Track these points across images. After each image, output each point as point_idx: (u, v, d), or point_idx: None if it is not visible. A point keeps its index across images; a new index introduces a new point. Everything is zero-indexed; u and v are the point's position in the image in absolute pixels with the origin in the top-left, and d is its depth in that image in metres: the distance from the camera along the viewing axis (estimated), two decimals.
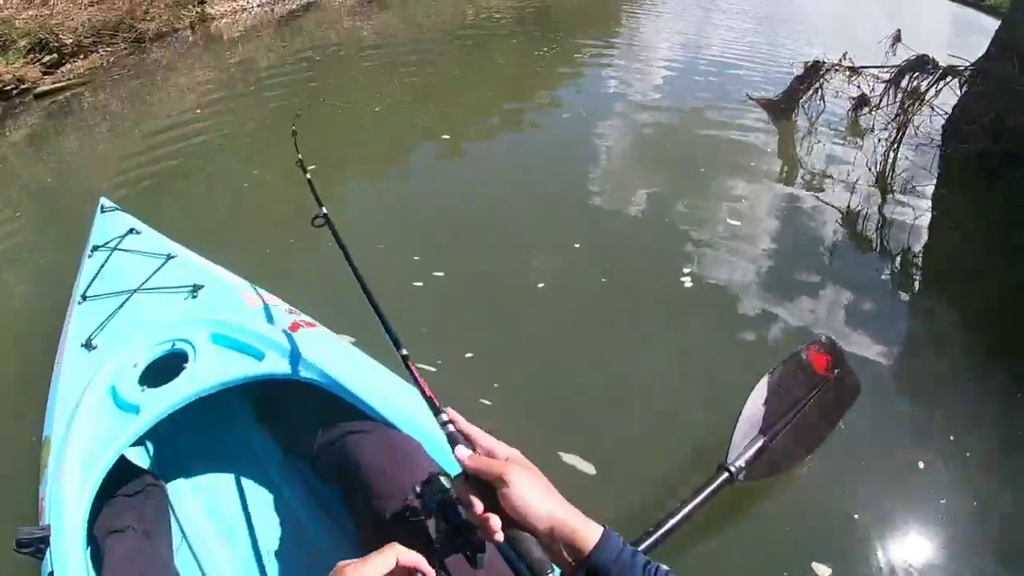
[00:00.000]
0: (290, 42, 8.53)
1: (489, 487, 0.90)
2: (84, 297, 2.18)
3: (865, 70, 5.41)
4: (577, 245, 3.58)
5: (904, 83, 5.08)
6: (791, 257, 3.60)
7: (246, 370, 1.71)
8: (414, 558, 0.88)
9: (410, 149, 5.07)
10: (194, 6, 9.37)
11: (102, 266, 2.32)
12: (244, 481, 1.89)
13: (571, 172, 4.56)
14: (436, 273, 3.29)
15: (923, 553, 2.08)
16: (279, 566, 1.65)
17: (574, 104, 5.95)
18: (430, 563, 0.89)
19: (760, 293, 3.26)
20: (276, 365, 1.71)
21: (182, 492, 1.87)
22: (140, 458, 1.97)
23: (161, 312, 2.01)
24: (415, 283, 3.21)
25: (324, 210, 1.95)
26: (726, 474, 1.94)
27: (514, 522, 0.87)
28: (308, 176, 2.23)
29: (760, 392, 2.10)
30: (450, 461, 1.41)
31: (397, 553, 0.88)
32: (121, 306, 2.05)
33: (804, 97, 5.61)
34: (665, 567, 0.84)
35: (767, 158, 4.90)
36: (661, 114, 5.74)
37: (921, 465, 2.36)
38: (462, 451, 0.97)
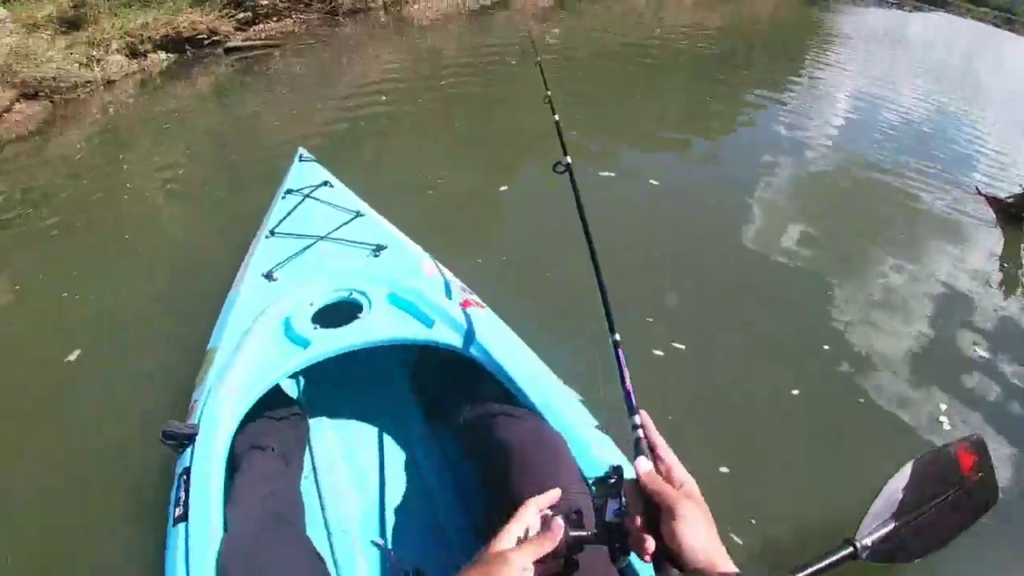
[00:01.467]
0: (477, 37, 8.92)
1: (655, 506, 0.94)
2: (272, 233, 2.41)
3: None
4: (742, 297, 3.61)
5: None
6: (962, 354, 3.48)
7: (413, 333, 1.85)
8: (550, 497, 1.04)
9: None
10: None
11: (293, 209, 2.56)
12: (384, 436, 2.01)
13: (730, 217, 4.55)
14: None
15: None
16: (398, 523, 1.73)
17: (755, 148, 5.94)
18: (569, 548, 0.96)
19: (923, 379, 3.22)
20: (444, 335, 1.84)
21: (323, 431, 2.02)
22: (292, 389, 2.16)
23: (343, 262, 2.19)
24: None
25: (568, 159, 1.99)
26: (851, 548, 1.97)
27: (666, 546, 0.91)
28: (556, 117, 2.32)
29: (902, 477, 2.12)
30: (593, 464, 1.49)
31: (537, 505, 1.01)
32: (306, 248, 2.26)
33: None
34: None
35: (974, 253, 4.57)
36: (864, 171, 5.61)
37: None
38: (644, 464, 1.00)
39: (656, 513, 0.93)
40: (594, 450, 1.54)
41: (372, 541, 1.67)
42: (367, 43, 8.24)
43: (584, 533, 0.98)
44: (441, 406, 1.94)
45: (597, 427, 1.68)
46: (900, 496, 2.10)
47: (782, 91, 7.79)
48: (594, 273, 1.54)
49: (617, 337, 1.35)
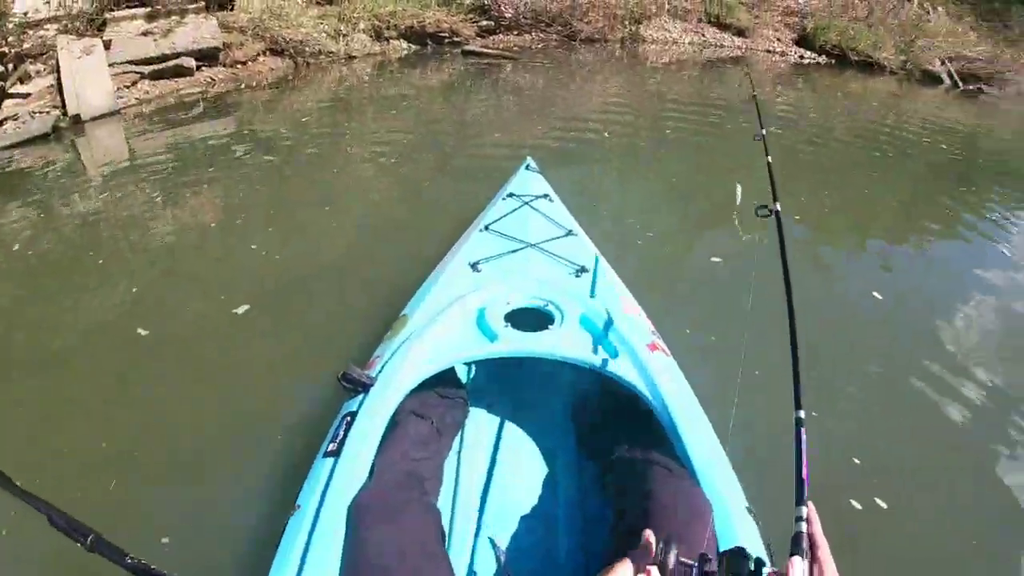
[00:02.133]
0: (707, 87, 8.85)
1: None
2: (487, 228, 2.54)
3: None
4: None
5: None
6: None
7: (598, 360, 1.86)
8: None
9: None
10: (629, 23, 10.07)
11: (510, 212, 2.69)
12: (531, 447, 2.04)
13: None
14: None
15: None
16: (517, 532, 1.75)
17: None
18: None
19: None
20: (624, 370, 1.83)
21: (479, 422, 2.09)
22: (464, 374, 2.26)
23: (546, 273, 2.27)
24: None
25: (777, 205, 1.95)
26: None
27: None
28: (769, 159, 2.28)
29: None
30: (731, 537, 1.43)
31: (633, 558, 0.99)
32: (515, 251, 2.37)
33: None
34: None
35: None
36: None
37: None
38: (798, 565, 0.93)
39: None
40: (738, 530, 1.48)
41: (489, 538, 1.71)
42: (597, 72, 8.40)
43: None
44: (596, 437, 1.94)
45: (748, 509, 1.60)
46: None
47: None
48: (788, 336, 1.47)
49: (801, 415, 1.22)
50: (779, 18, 13.60)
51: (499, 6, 8.95)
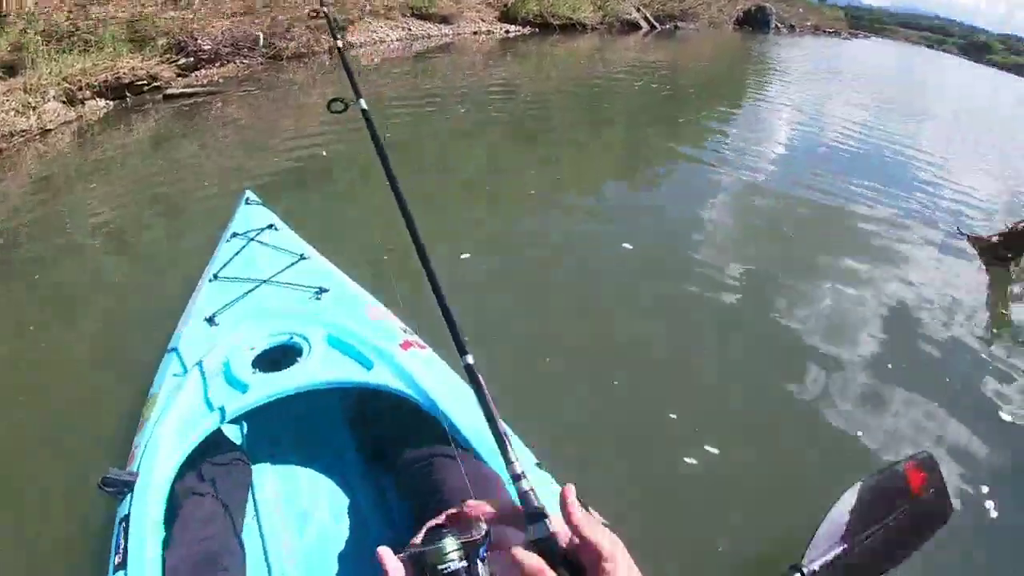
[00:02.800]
0: (421, 80, 9.09)
1: (579, 565, 0.82)
2: (216, 277, 2.45)
3: None
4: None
5: None
6: (912, 373, 3.65)
7: (353, 375, 1.89)
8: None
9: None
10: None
11: (237, 253, 2.60)
12: (324, 479, 2.03)
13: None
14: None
15: None
16: (339, 567, 1.75)
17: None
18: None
19: (881, 405, 3.36)
20: (382, 377, 1.89)
21: (265, 475, 2.03)
22: (233, 434, 2.16)
23: (285, 305, 2.24)
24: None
25: (362, 103, 1.92)
26: (797, 575, 2.02)
27: None
28: (340, 43, 2.28)
29: (849, 499, 2.17)
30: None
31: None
32: (249, 292, 2.30)
33: None
34: None
35: (960, 293, 4.85)
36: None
37: None
38: (575, 511, 0.83)
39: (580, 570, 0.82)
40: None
41: None
42: (311, 88, 8.35)
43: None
44: (382, 449, 1.97)
45: (538, 465, 1.74)
46: (847, 518, 2.15)
47: (722, 123, 8.31)
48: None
49: (471, 360, 1.18)
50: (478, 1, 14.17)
51: (195, 40, 8.62)
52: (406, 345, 2.04)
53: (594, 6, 14.80)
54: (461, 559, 0.86)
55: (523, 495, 0.90)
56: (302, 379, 1.84)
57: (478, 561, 0.87)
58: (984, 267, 5.25)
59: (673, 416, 3.00)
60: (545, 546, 0.82)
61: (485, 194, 5.42)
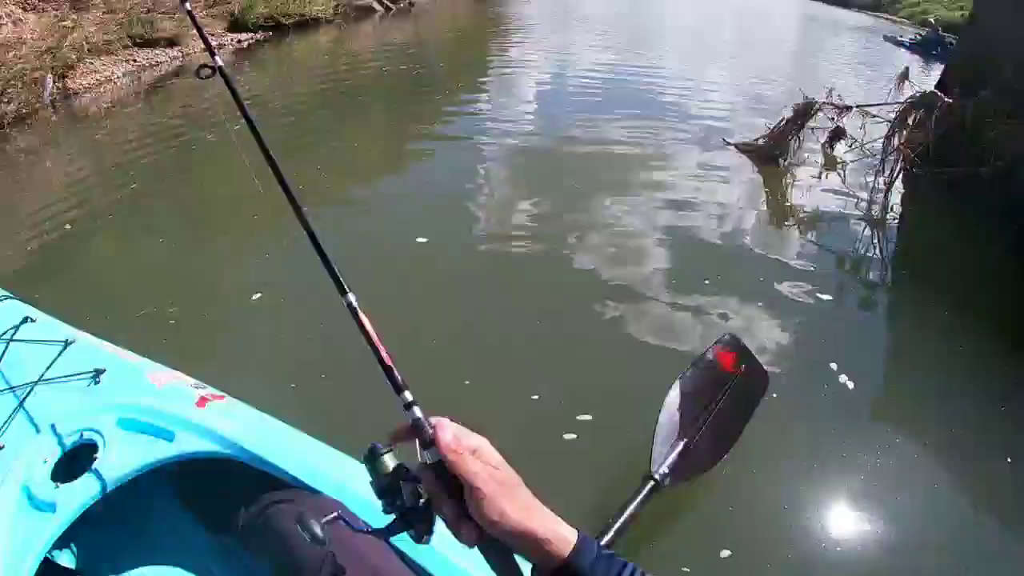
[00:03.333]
0: (159, 109, 8.61)
1: (458, 484, 0.87)
2: None
3: (864, 108, 5.99)
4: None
5: (910, 119, 5.56)
6: (706, 276, 4.01)
7: (157, 453, 1.77)
8: None
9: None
10: (54, 82, 9.26)
11: None
12: (175, 570, 1.91)
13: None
14: None
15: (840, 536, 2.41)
16: None
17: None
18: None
19: (691, 304, 3.71)
20: (187, 444, 1.78)
21: None
22: (66, 558, 1.97)
23: (65, 402, 2.05)
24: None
25: (219, 60, 1.54)
26: (652, 483, 2.11)
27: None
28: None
29: (673, 397, 2.30)
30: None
31: None
32: (23, 400, 2.08)
33: (792, 138, 6.04)
34: (642, 568, 0.85)
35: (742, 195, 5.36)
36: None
37: (838, 451, 2.73)
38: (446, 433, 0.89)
39: (459, 488, 0.87)
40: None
41: None
42: (43, 150, 7.58)
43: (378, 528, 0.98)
44: (220, 516, 1.86)
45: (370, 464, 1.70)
46: (678, 416, 2.28)
47: (478, 92, 8.54)
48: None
49: (352, 298, 1.11)
50: (203, 13, 13.49)
51: None
52: (202, 402, 1.94)
53: None
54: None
55: (415, 422, 0.93)
56: (108, 475, 1.71)
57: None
58: (757, 169, 5.92)
59: (510, 370, 3.14)
60: (439, 468, 0.89)
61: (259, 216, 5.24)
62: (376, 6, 16.03)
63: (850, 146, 6.09)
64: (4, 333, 2.46)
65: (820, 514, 2.48)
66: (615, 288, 3.82)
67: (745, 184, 5.68)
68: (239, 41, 12.29)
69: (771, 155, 6.02)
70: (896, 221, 5.37)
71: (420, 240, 4.29)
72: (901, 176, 5.51)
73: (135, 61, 10.73)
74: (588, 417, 2.79)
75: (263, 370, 3.07)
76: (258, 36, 12.49)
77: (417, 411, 0.94)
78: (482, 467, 0.87)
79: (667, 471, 2.14)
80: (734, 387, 2.44)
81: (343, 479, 1.65)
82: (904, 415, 3.04)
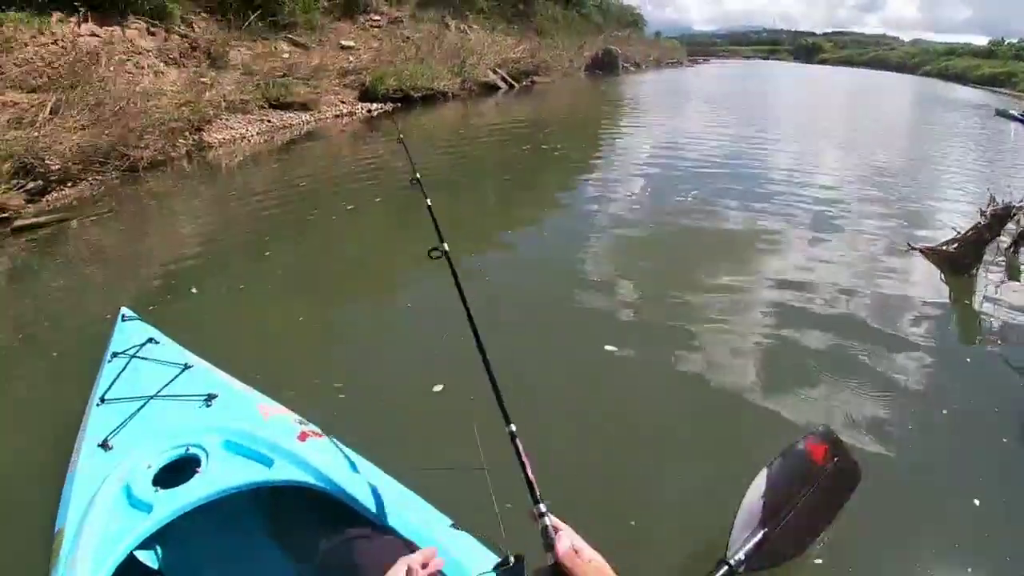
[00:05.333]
0: (288, 171, 9.09)
1: None
2: (102, 400, 2.43)
3: None
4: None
5: None
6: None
7: (255, 476, 1.92)
8: (424, 555, 1.25)
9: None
10: (191, 133, 9.95)
11: (120, 372, 2.60)
12: None
13: None
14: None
15: None
16: None
17: None
18: None
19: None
20: (284, 472, 1.93)
21: None
22: (150, 559, 2.13)
23: (176, 418, 2.25)
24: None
25: (445, 246, 2.19)
26: (726, 567, 2.10)
27: None
28: (428, 201, 2.66)
29: (759, 484, 2.29)
30: (456, 564, 1.63)
31: (408, 562, 1.20)
32: (138, 410, 2.29)
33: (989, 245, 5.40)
34: None
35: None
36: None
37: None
38: (564, 543, 1.15)
39: None
40: (452, 550, 1.67)
41: None
42: (174, 196, 8.18)
43: None
44: (303, 546, 1.98)
45: (452, 526, 1.82)
46: (761, 503, 2.26)
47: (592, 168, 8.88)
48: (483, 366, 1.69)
49: (513, 428, 1.45)
50: (336, 82, 14.32)
51: (42, 160, 8.19)
52: (303, 436, 2.10)
53: (452, 73, 15.25)
54: None
55: (544, 530, 1.19)
56: (205, 489, 1.85)
57: None
58: (944, 278, 5.41)
59: (613, 438, 3.24)
60: (553, 570, 1.11)
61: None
62: (500, 84, 16.67)
63: None
64: (128, 349, 2.75)
65: None
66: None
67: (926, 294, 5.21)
68: (368, 110, 12.96)
69: (964, 264, 5.41)
70: None
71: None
72: None
73: (269, 121, 11.45)
74: (664, 498, 2.84)
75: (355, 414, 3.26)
76: (387, 107, 13.16)
77: (547, 520, 1.18)
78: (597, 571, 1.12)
79: (743, 558, 2.13)
80: (824, 481, 2.41)
81: (425, 528, 1.76)
82: None
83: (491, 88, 16.14)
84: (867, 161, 10.17)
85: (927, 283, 5.32)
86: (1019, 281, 5.30)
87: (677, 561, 2.47)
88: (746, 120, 13.67)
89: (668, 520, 2.70)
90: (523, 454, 1.36)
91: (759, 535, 2.19)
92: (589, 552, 1.14)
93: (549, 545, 1.14)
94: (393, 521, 1.76)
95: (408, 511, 1.81)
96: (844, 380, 3.77)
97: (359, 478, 1.91)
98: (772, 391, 3.64)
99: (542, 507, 1.19)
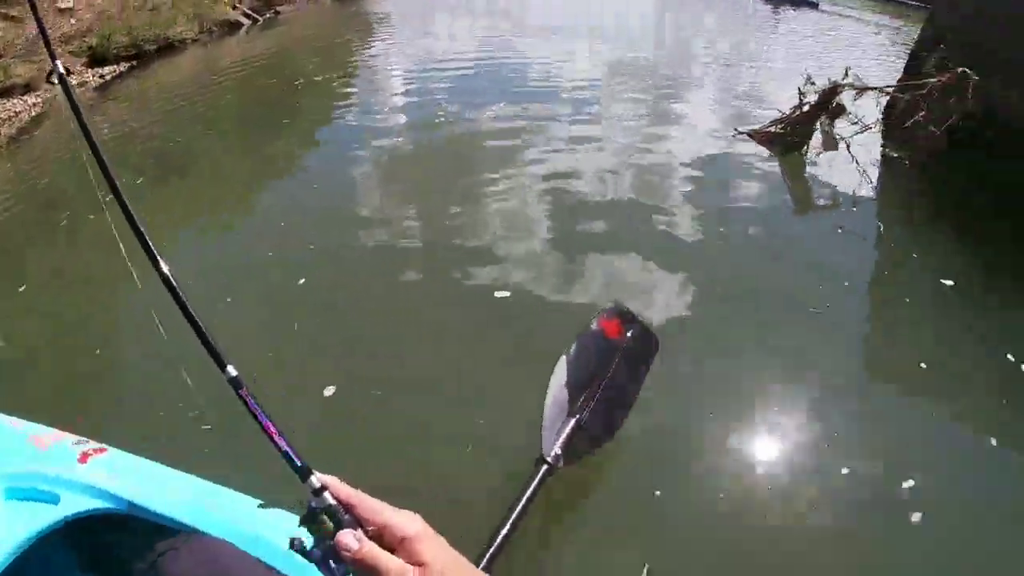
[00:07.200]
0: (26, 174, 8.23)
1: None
2: None
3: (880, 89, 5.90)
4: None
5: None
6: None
7: (43, 520, 1.70)
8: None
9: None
10: None
11: None
12: None
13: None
14: None
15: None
16: None
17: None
18: None
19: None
20: (72, 505, 1.72)
21: None
22: None
23: None
24: None
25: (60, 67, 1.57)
26: (545, 466, 2.07)
27: None
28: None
29: (560, 374, 2.27)
30: (267, 546, 1.50)
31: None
32: None
33: (817, 122, 5.90)
34: None
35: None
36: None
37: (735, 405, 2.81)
38: (348, 538, 0.79)
39: None
40: (265, 532, 1.55)
41: None
42: None
43: None
44: (117, 574, 1.79)
45: (262, 506, 1.68)
46: (566, 393, 2.24)
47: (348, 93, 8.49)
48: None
49: (234, 373, 0.94)
50: (60, 51, 13.00)
51: None
52: (84, 458, 1.88)
53: (186, 17, 14.19)
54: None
55: (329, 508, 0.83)
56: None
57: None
58: (777, 158, 5.76)
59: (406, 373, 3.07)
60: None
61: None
62: (242, 20, 15.72)
63: (854, 124, 5.87)
64: None
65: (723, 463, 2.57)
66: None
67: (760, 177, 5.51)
68: (101, 76, 11.85)
69: (793, 143, 5.87)
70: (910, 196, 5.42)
71: (310, 247, 4.18)
72: (911, 154, 5.53)
73: None
74: (472, 412, 2.79)
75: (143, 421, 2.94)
76: (121, 67, 12.08)
77: (329, 497, 0.83)
78: (410, 551, 0.79)
79: (559, 452, 2.11)
80: (622, 354, 2.42)
81: (233, 519, 1.63)
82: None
83: (234, 26, 15.16)
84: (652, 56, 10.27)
85: (758, 164, 5.65)
86: (836, 149, 5.75)
87: (497, 470, 2.44)
88: (513, 24, 13.54)
89: (484, 436, 2.65)
90: (259, 414, 0.91)
91: (571, 424, 2.17)
92: (402, 521, 0.81)
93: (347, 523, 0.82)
94: (203, 522, 1.61)
95: (211, 504, 1.67)
96: (665, 260, 3.90)
97: (153, 487, 1.74)
98: (566, 282, 3.71)
99: (314, 482, 0.82)
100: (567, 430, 2.16)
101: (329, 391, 2.90)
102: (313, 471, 0.84)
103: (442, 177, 5.31)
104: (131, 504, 1.70)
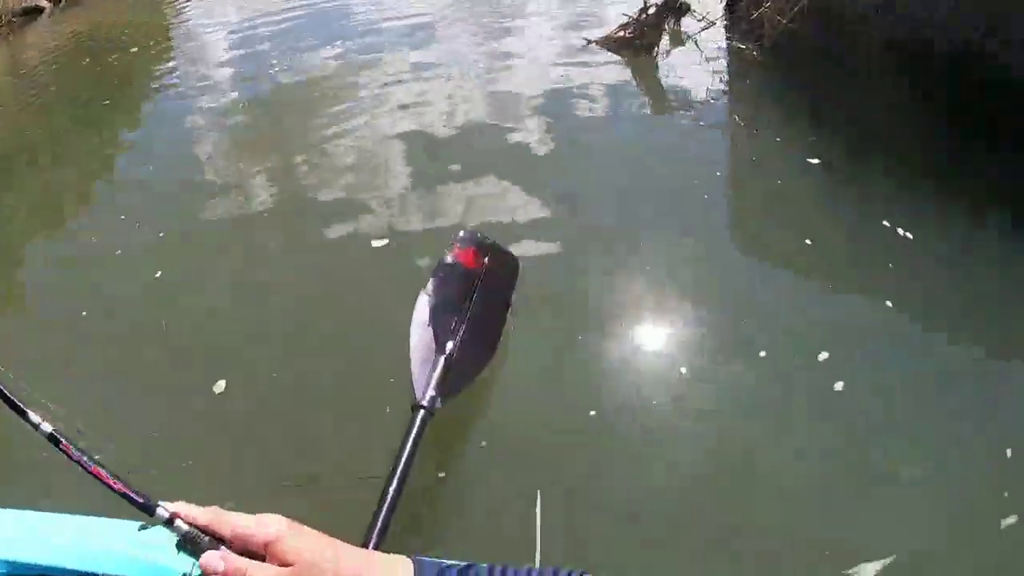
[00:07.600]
0: None
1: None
2: None
3: None
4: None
5: None
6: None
7: None
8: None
9: None
10: None
11: None
12: None
13: None
14: None
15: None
16: None
17: None
18: None
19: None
20: None
21: None
22: None
23: None
24: None
25: None
26: (422, 411, 1.96)
27: None
28: None
29: (421, 313, 2.17)
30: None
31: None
32: None
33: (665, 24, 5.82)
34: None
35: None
36: None
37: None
38: (212, 560, 0.74)
39: None
40: (116, 545, 1.44)
41: None
42: None
43: None
44: None
45: (142, 527, 1.54)
46: (431, 331, 2.14)
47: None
48: None
49: (47, 428, 0.83)
50: None
51: None
52: None
53: None
54: None
55: (186, 535, 0.78)
56: None
57: None
58: (629, 64, 5.63)
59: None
60: None
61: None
62: (43, 3, 14.62)
63: (699, 20, 5.90)
64: None
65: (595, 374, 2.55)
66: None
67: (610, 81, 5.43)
68: None
69: (643, 46, 5.76)
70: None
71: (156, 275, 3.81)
72: (759, 44, 5.50)
73: None
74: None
75: None
76: None
77: (182, 524, 0.78)
78: (278, 553, 0.74)
79: (434, 394, 2.00)
80: (483, 281, 2.33)
81: (121, 549, 1.46)
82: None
83: (35, 11, 14.10)
84: None
85: (611, 72, 5.54)
86: (684, 46, 5.80)
87: (377, 427, 2.32)
88: None
89: (358, 394, 2.55)
90: (83, 459, 0.84)
91: (440, 364, 2.07)
92: (263, 529, 0.76)
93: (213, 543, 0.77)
94: (83, 562, 1.43)
95: (94, 542, 1.47)
96: (527, 179, 3.81)
97: (27, 537, 1.54)
98: (440, 215, 3.60)
99: (162, 512, 0.78)
100: (438, 369, 2.06)
101: (219, 386, 2.67)
102: (159, 503, 0.79)
103: (288, 130, 5.04)
104: (10, 564, 1.52)
